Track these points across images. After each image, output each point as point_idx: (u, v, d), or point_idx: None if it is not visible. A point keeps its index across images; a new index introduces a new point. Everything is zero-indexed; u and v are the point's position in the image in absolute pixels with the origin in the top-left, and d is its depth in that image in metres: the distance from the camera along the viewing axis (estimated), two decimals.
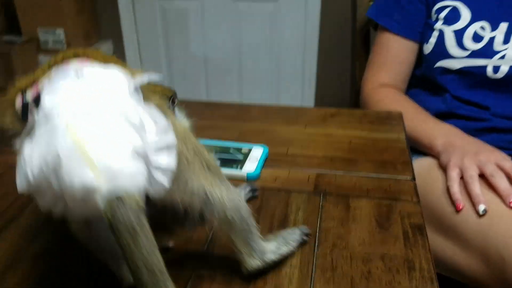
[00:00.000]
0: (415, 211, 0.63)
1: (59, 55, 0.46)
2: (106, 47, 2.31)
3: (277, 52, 2.30)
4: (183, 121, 0.63)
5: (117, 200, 0.37)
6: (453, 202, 0.84)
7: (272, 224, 0.60)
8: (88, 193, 0.37)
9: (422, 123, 1.03)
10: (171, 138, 0.42)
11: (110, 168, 0.37)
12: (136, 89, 0.43)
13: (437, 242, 0.92)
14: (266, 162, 0.75)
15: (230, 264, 0.52)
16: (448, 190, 0.86)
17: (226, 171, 0.69)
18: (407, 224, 0.61)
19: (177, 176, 0.43)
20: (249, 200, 0.65)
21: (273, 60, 2.32)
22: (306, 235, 0.58)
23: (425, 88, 1.15)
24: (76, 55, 0.46)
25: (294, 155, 0.77)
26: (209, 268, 0.54)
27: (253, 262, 0.50)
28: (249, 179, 0.69)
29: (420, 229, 0.60)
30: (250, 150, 0.75)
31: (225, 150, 0.75)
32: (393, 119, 0.90)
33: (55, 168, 0.37)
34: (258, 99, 2.41)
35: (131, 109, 0.40)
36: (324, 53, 2.22)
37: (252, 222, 0.50)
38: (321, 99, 2.32)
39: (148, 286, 0.39)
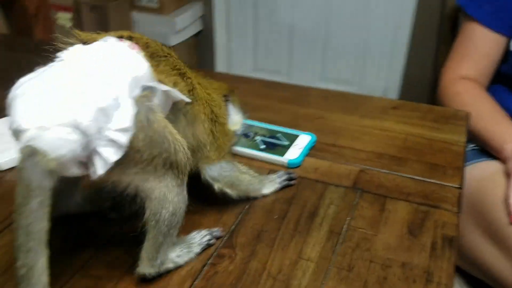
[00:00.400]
0: (451, 221, 0.61)
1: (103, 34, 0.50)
2: (197, 9, 2.37)
3: (367, 27, 2.22)
4: (236, 117, 0.66)
5: (31, 151, 0.40)
6: (508, 213, 0.80)
7: (301, 215, 0.62)
8: (16, 132, 0.41)
9: (495, 124, 0.97)
10: (128, 125, 0.43)
11: (41, 123, 0.41)
12: (137, 79, 0.46)
13: (484, 247, 0.88)
14: (312, 151, 0.75)
15: None
16: (506, 199, 0.82)
17: (269, 156, 0.71)
18: (439, 235, 0.59)
19: (124, 163, 0.45)
20: (284, 187, 0.67)
21: (362, 36, 2.24)
22: (216, 238, 0.57)
23: (508, 86, 1.07)
24: (120, 36, 0.50)
25: (341, 146, 0.77)
26: None
27: (149, 269, 0.51)
28: (289, 167, 0.71)
29: (450, 242, 0.58)
30: (297, 137, 0.76)
31: (273, 134, 0.77)
32: (459, 119, 0.86)
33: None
34: (341, 74, 2.36)
35: (105, 93, 0.43)
36: (416, 34, 2.11)
37: (173, 232, 0.51)
38: (407, 82, 2.22)
39: (19, 249, 0.40)
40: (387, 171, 0.71)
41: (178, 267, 0.53)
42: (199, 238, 0.56)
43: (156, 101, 0.47)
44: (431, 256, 0.56)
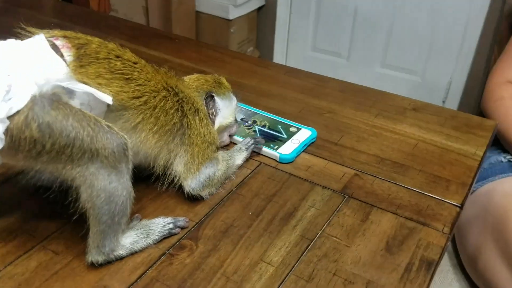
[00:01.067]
0: (437, 243, 0.57)
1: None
2: None
3: (436, 17, 2.07)
4: (226, 111, 0.66)
5: None
6: None
7: (277, 215, 0.60)
8: None
9: None
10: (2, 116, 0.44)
11: None
12: (47, 78, 0.46)
13: (500, 270, 0.82)
14: (311, 147, 0.72)
15: None
16: None
17: (264, 148, 0.69)
18: (419, 256, 0.55)
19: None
20: (252, 153, 0.68)
21: (430, 25, 2.10)
22: (180, 227, 0.56)
23: None
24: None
25: (343, 146, 0.73)
26: None
27: (97, 257, 0.51)
28: (281, 161, 0.68)
29: (429, 266, 0.54)
30: (298, 131, 0.73)
31: (274, 125, 0.74)
32: (484, 129, 0.79)
33: None
34: (403, 62, 2.24)
35: None
36: (488, 30, 1.95)
37: (119, 219, 0.50)
38: (474, 79, 2.08)
39: None
40: (383, 178, 0.67)
41: (134, 253, 0.53)
42: (161, 225, 0.55)
43: (77, 100, 0.48)
44: (401, 279, 0.53)
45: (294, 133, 0.72)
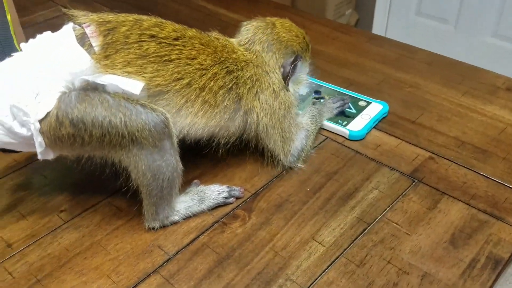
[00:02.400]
0: (510, 240, 0.52)
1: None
2: None
3: None
4: (301, 77, 0.63)
5: None
6: None
7: (335, 193, 0.58)
8: None
9: None
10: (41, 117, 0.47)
11: None
12: (74, 74, 0.48)
13: None
14: (384, 123, 0.68)
15: None
16: None
17: (330, 124, 0.66)
18: (486, 252, 0.51)
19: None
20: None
21: None
22: (234, 197, 0.56)
23: None
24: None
25: (421, 125, 0.68)
26: None
27: (153, 224, 0.53)
28: (351, 139, 0.65)
29: (496, 263, 0.50)
30: (368, 105, 0.69)
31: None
32: None
33: None
34: None
35: (24, 91, 0.47)
36: None
37: (169, 192, 0.51)
38: None
39: None
40: (461, 164, 0.62)
41: (189, 217, 0.55)
42: (216, 192, 0.56)
43: (109, 91, 0.48)
44: (462, 274, 0.49)
45: (364, 107, 0.69)
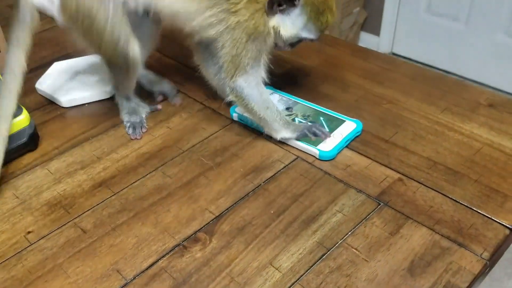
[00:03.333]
0: (470, 269, 0.51)
1: None
2: None
3: None
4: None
5: None
6: None
7: (299, 217, 0.58)
8: None
9: None
10: None
11: None
12: None
13: None
14: (356, 143, 0.68)
15: None
16: None
17: (299, 143, 0.66)
18: (444, 281, 0.50)
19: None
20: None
21: None
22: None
23: None
24: None
25: (394, 144, 0.68)
26: None
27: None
28: (321, 159, 0.65)
29: None
30: (342, 123, 0.69)
31: (316, 117, 0.70)
32: None
33: None
34: None
35: None
36: None
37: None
38: None
39: None
40: (430, 187, 0.61)
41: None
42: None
43: None
44: None
45: (337, 126, 0.68)
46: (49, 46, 0.90)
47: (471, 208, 0.58)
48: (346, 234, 0.56)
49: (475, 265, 0.52)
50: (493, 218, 0.57)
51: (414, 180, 0.62)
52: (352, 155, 0.66)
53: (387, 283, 0.51)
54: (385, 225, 0.57)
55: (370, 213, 0.58)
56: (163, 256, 0.54)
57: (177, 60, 0.88)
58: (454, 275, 0.51)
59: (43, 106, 0.78)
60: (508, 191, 0.60)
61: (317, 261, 0.53)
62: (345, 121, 0.69)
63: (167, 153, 0.67)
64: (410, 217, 0.57)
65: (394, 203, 0.59)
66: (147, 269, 0.53)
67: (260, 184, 0.62)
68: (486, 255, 0.53)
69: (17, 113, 0.65)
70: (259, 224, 0.57)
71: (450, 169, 0.63)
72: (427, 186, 0.61)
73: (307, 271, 0.52)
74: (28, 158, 0.68)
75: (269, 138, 0.69)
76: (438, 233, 0.55)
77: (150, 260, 0.54)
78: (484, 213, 0.57)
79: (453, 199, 0.59)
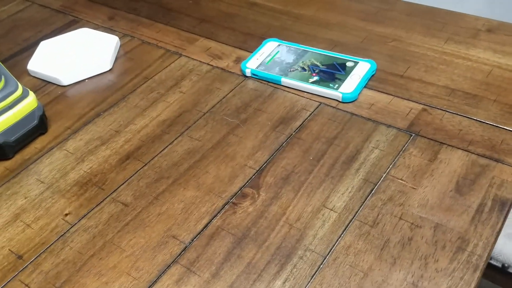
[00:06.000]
0: None
1: None
2: None
3: None
4: None
5: None
6: None
7: (338, 159, 0.58)
8: None
9: None
10: None
11: None
12: None
13: None
14: (373, 81, 0.68)
15: None
16: None
17: (321, 89, 0.66)
18: (491, 195, 0.52)
19: None
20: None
21: None
22: None
23: None
24: None
25: (410, 78, 0.69)
26: None
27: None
28: (344, 101, 0.65)
29: (502, 206, 0.51)
30: (356, 65, 0.69)
31: (329, 61, 0.70)
32: None
33: None
34: None
35: None
36: None
37: None
38: None
39: None
40: (454, 112, 0.63)
41: None
42: None
43: None
44: (472, 220, 0.50)
45: (352, 68, 0.68)
46: (28, 27, 0.85)
47: (497, 126, 0.60)
48: (388, 168, 0.57)
49: None
50: None
51: (438, 108, 0.63)
52: (373, 94, 0.67)
53: (440, 205, 0.52)
54: (422, 154, 0.58)
55: (405, 144, 0.59)
56: (216, 216, 0.53)
57: (177, 27, 0.85)
58: (499, 188, 0.53)
59: (41, 88, 0.73)
60: None
61: (368, 196, 0.54)
62: (358, 62, 0.69)
63: (188, 117, 0.66)
64: (443, 142, 0.59)
65: (425, 132, 0.60)
66: (202, 230, 0.52)
67: (292, 134, 0.62)
68: None
69: (24, 95, 0.61)
70: (302, 171, 0.57)
71: (468, 93, 0.65)
72: (451, 112, 0.63)
73: (360, 207, 0.53)
74: (41, 141, 0.64)
75: (287, 89, 0.68)
76: (473, 153, 0.57)
77: (204, 222, 0.53)
78: (510, 129, 0.59)
79: (479, 120, 0.61)
